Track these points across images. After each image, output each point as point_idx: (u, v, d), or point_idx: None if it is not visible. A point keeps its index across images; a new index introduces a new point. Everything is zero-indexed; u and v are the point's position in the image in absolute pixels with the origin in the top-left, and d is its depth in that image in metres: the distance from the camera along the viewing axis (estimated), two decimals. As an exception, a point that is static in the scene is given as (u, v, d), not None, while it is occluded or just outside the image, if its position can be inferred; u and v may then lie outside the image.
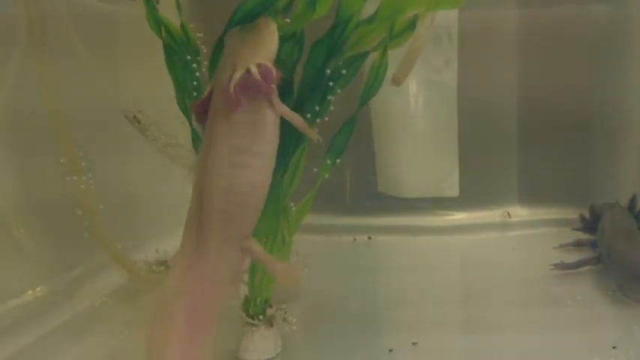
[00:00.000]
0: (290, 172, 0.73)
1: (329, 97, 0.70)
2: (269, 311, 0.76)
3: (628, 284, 0.89)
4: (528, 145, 1.29)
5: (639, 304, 0.87)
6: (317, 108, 0.69)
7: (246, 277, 0.74)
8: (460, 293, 1.04)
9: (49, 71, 0.86)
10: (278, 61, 0.64)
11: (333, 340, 0.82)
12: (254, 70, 0.60)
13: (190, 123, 0.71)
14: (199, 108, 0.65)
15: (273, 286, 0.76)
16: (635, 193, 1.13)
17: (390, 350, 0.78)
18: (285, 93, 0.66)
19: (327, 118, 0.71)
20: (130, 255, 0.95)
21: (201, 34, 0.71)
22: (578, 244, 1.12)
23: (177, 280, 0.62)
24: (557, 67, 1.24)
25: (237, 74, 0.60)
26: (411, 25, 0.71)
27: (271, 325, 0.76)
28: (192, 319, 0.61)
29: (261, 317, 0.76)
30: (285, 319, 0.78)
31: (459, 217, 1.30)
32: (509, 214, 1.30)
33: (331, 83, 0.69)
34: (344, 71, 0.69)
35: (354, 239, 1.24)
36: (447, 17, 1.17)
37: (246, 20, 0.64)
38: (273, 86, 0.61)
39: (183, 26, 0.69)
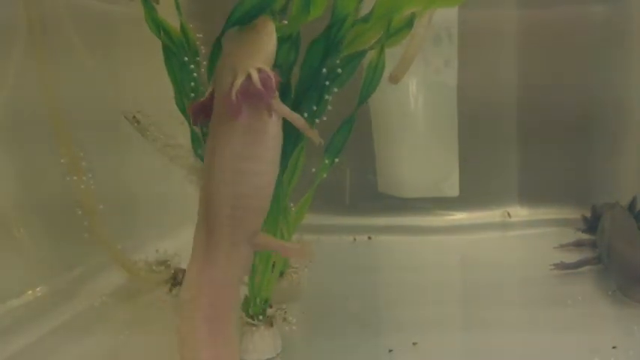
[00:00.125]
0: (289, 172, 0.73)
1: (326, 97, 0.70)
2: (269, 311, 0.76)
3: (628, 284, 0.89)
4: (528, 144, 1.29)
5: (639, 304, 0.87)
6: (314, 108, 0.69)
7: (246, 277, 0.74)
8: (460, 293, 1.04)
9: (49, 71, 0.86)
10: (276, 65, 0.64)
11: (333, 340, 0.82)
12: (255, 75, 0.60)
13: (189, 123, 0.71)
14: (197, 110, 0.65)
15: (273, 286, 0.76)
16: (635, 195, 1.13)
17: (390, 350, 0.78)
18: (282, 94, 0.65)
19: (325, 118, 0.71)
20: (130, 255, 0.95)
21: (201, 35, 0.71)
22: (578, 244, 1.12)
23: (193, 285, 0.63)
24: (557, 67, 1.24)
25: (238, 81, 0.60)
26: (408, 23, 0.71)
27: (271, 325, 0.76)
28: (212, 320, 0.62)
29: (261, 317, 0.75)
30: (285, 319, 0.78)
31: (459, 217, 1.30)
32: (509, 214, 1.30)
33: (328, 82, 0.69)
34: (340, 70, 0.69)
35: (354, 239, 1.24)
36: (447, 17, 1.17)
37: (243, 21, 0.63)
38: (274, 93, 0.61)
39: (182, 27, 0.69)
